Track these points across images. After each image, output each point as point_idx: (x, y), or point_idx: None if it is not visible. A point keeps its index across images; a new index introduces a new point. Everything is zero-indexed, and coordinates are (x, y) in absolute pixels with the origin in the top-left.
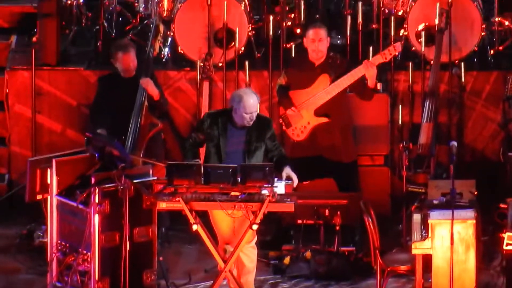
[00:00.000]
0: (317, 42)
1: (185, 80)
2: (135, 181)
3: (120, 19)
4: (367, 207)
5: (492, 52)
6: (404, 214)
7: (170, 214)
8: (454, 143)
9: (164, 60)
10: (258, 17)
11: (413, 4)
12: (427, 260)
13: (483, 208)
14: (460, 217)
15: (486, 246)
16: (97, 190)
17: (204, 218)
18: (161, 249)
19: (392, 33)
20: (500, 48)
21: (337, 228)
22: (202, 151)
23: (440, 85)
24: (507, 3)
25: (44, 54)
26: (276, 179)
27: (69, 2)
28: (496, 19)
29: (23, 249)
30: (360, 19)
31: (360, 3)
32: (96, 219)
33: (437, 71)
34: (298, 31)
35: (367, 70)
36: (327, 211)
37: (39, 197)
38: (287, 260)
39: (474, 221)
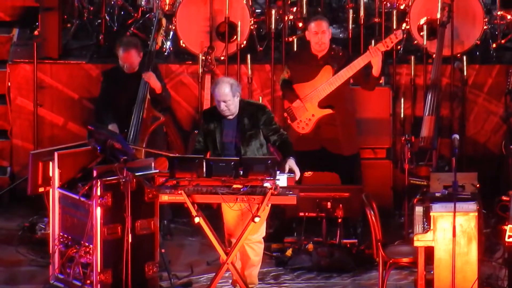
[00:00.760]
0: (320, 34)
1: (187, 74)
2: (137, 174)
3: (122, 12)
4: (369, 200)
5: (494, 45)
6: (406, 207)
7: (172, 206)
8: (456, 136)
9: (166, 53)
10: (260, 10)
11: None
12: (429, 252)
13: (485, 201)
14: (462, 210)
15: (488, 238)
16: (99, 183)
17: (206, 211)
18: (163, 242)
19: (394, 27)
20: (502, 41)
21: (339, 220)
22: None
23: (442, 78)
24: None
25: (46, 48)
26: (278, 172)
27: None
28: (498, 12)
29: (26, 242)
30: (362, 13)
31: None
32: (98, 211)
33: (439, 65)
34: (300, 24)
35: (373, 56)
36: (329, 203)
37: (41, 190)
38: (289, 252)
39: (476, 214)
